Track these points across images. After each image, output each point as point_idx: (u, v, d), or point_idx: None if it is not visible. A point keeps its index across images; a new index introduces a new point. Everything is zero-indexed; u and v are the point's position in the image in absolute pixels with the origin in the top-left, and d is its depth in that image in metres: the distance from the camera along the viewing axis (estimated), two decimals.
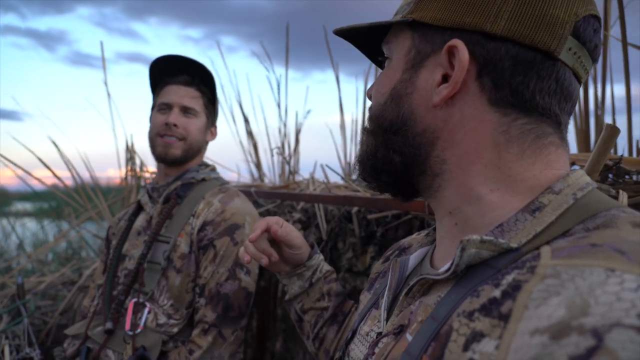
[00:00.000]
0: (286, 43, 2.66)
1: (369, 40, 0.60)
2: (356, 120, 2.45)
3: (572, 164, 1.02)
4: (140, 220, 1.36)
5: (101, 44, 2.75)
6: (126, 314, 1.19)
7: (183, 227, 1.26)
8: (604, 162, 0.91)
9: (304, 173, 2.41)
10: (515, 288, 0.37)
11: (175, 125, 1.31)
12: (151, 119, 1.38)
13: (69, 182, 2.60)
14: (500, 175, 0.47)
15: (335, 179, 2.12)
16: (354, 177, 2.27)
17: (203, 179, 1.36)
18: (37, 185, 2.51)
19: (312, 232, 1.74)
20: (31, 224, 4.15)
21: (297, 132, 2.56)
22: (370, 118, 0.56)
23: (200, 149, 1.40)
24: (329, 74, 2.51)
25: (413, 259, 0.59)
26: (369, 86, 0.62)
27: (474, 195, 0.48)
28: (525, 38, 0.45)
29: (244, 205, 1.32)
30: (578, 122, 1.39)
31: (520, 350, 0.33)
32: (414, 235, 0.74)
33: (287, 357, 1.91)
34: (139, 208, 1.40)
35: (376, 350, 0.52)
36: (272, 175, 2.62)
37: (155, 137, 1.34)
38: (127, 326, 1.16)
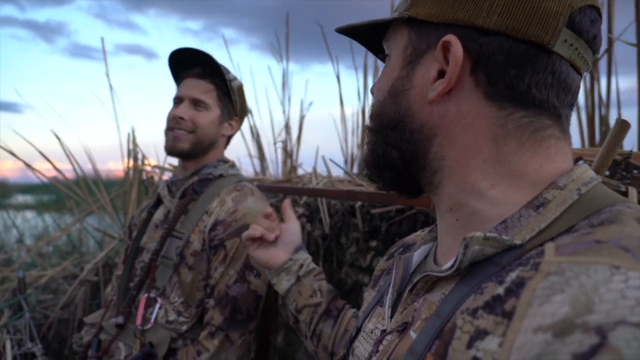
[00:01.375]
0: (286, 33, 2.64)
1: (372, 37, 0.60)
2: (357, 113, 2.44)
3: (579, 159, 1.01)
4: (159, 214, 1.35)
5: (102, 39, 2.73)
6: (138, 308, 1.18)
7: (197, 223, 1.24)
8: (614, 157, 0.90)
9: (306, 166, 2.40)
10: (519, 285, 0.37)
11: (182, 118, 1.29)
12: (168, 113, 1.37)
13: (70, 174, 2.60)
14: (501, 170, 0.47)
15: (337, 172, 2.11)
16: (355, 170, 2.26)
17: (221, 175, 1.34)
18: (37, 178, 2.49)
19: (315, 227, 1.73)
20: (31, 217, 4.14)
21: (300, 124, 2.54)
22: (371, 116, 0.57)
23: (214, 142, 1.36)
24: (329, 67, 2.49)
25: (417, 255, 0.59)
26: (368, 79, 0.63)
27: (474, 190, 0.48)
28: (517, 32, 0.45)
29: (256, 205, 1.28)
30: (583, 117, 1.38)
31: (524, 347, 0.33)
32: (418, 232, 0.74)
33: (288, 350, 1.91)
34: (159, 201, 1.38)
35: (380, 347, 0.52)
36: (274, 169, 2.61)
37: (167, 131, 1.33)
38: (139, 321, 1.16)
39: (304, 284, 0.86)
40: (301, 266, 0.87)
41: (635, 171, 0.95)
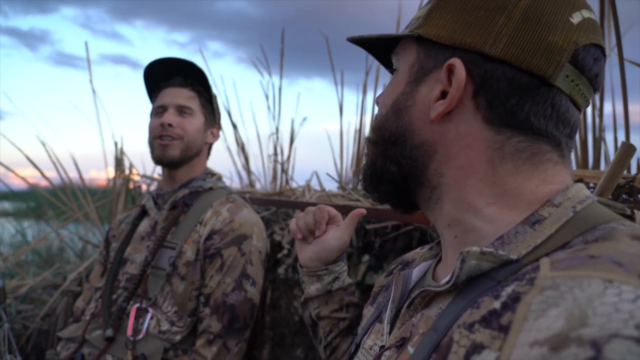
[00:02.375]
0: (281, 49, 2.65)
1: (382, 49, 0.61)
2: (343, 130, 2.44)
3: (579, 181, 1.02)
4: (144, 225, 1.34)
5: (86, 44, 2.67)
6: (128, 320, 1.16)
7: (190, 234, 1.24)
8: (618, 181, 0.91)
9: (296, 180, 2.39)
10: (514, 300, 0.38)
11: (170, 125, 1.28)
12: (149, 125, 1.36)
13: (47, 182, 2.52)
14: (496, 190, 0.48)
15: (329, 187, 2.10)
16: (350, 186, 2.26)
17: (210, 188, 1.35)
18: (17, 185, 2.42)
19: None
20: (9, 225, 4.01)
21: (292, 139, 2.53)
22: (372, 128, 0.58)
23: (200, 150, 1.37)
24: (315, 82, 2.51)
25: (416, 272, 0.60)
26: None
27: (470, 208, 0.49)
28: (521, 62, 0.46)
29: (252, 217, 1.31)
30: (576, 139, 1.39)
31: None
32: (417, 250, 0.75)
33: None
34: (143, 212, 1.37)
35: None
36: (263, 182, 2.59)
37: (153, 141, 1.32)
38: (129, 332, 1.14)
39: (333, 296, 0.84)
40: (335, 279, 0.84)
41: (639, 195, 0.96)
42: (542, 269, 0.39)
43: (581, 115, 1.33)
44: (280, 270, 1.73)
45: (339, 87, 2.45)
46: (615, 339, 0.29)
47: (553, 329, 0.32)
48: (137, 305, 1.17)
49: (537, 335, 0.33)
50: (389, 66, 0.65)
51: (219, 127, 1.45)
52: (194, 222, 1.25)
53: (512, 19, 0.47)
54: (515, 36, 0.46)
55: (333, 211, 0.85)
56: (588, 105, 0.52)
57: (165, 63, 1.34)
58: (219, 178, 1.42)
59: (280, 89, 2.63)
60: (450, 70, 0.49)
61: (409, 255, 0.74)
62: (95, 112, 2.55)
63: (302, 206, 1.71)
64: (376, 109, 0.60)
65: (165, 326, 1.16)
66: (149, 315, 1.16)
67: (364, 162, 0.60)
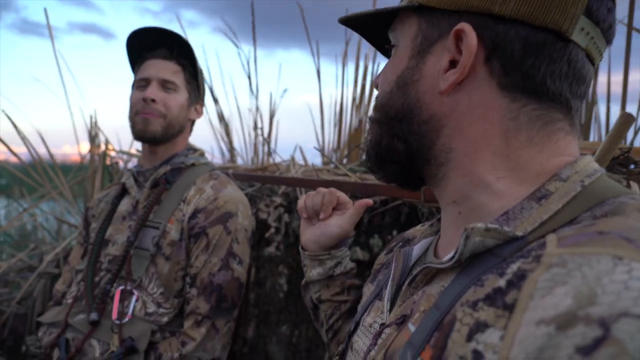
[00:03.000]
0: (252, 21, 2.54)
1: (374, 27, 0.59)
2: (324, 103, 2.39)
3: None
4: (125, 204, 1.29)
5: (45, 10, 2.51)
6: (112, 303, 1.12)
7: (173, 212, 1.20)
8: (615, 151, 0.90)
9: (279, 154, 2.34)
10: (520, 277, 0.37)
11: (153, 100, 1.22)
12: (130, 98, 1.29)
13: (15, 159, 2.41)
14: (508, 163, 0.46)
15: (313, 161, 2.06)
16: (334, 159, 2.22)
17: (192, 164, 1.30)
18: None
19: (294, 217, 1.69)
20: None
21: (272, 113, 2.47)
22: (375, 107, 0.56)
23: (183, 127, 1.32)
24: (293, 53, 2.44)
25: (417, 249, 0.59)
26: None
27: (480, 183, 0.47)
28: (535, 19, 0.44)
29: (237, 194, 1.27)
30: None
31: (526, 340, 0.33)
32: (417, 227, 0.74)
33: (259, 342, 1.87)
34: (123, 191, 1.32)
35: (379, 341, 0.52)
36: (245, 157, 2.53)
37: (135, 116, 1.25)
38: (114, 315, 1.10)
39: (334, 280, 0.83)
40: (337, 264, 0.83)
41: (632, 166, 0.95)
42: (548, 246, 0.38)
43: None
44: (271, 249, 1.70)
45: (316, 59, 2.38)
46: (625, 317, 0.28)
47: (560, 307, 0.32)
48: (121, 287, 1.14)
49: (543, 313, 0.32)
50: (382, 47, 0.62)
51: (203, 104, 1.40)
52: (177, 200, 1.22)
53: None
54: None
55: (344, 197, 0.83)
56: (601, 59, 0.50)
57: (150, 33, 1.27)
58: (202, 154, 1.38)
59: (255, 61, 2.55)
60: (459, 37, 0.46)
61: (409, 233, 0.73)
62: (62, 85, 2.41)
63: (288, 182, 1.67)
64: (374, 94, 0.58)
65: (151, 308, 1.14)
66: (134, 298, 1.13)
67: (367, 140, 0.58)
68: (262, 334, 1.87)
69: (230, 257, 1.18)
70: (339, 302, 0.83)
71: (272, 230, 1.67)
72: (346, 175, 1.53)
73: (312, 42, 2.37)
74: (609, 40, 0.48)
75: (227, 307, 1.16)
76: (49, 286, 1.84)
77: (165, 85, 1.25)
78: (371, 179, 1.56)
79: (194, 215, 1.19)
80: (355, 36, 2.35)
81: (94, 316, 1.10)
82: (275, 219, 1.67)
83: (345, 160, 2.14)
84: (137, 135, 1.26)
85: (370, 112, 0.58)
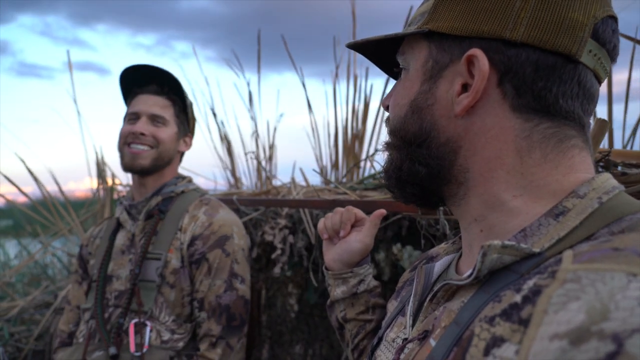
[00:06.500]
0: (258, 51, 2.63)
1: (381, 51, 0.60)
2: (318, 124, 2.43)
3: None
4: (121, 239, 1.33)
5: (67, 52, 2.62)
6: (128, 336, 1.16)
7: (171, 242, 1.25)
8: (594, 156, 0.94)
9: (279, 179, 2.39)
10: (535, 293, 0.37)
11: (142, 134, 1.28)
12: (120, 130, 1.35)
13: (24, 198, 2.47)
14: (523, 181, 0.47)
15: (313, 182, 2.11)
16: (333, 178, 2.27)
17: (182, 192, 1.36)
18: None
19: (298, 238, 1.72)
20: None
21: (272, 137, 2.53)
22: (391, 131, 0.57)
23: (172, 159, 1.37)
24: (286, 76, 2.50)
25: (438, 265, 0.59)
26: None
27: (497, 202, 0.49)
28: (545, 43, 0.45)
29: (230, 216, 1.33)
30: None
31: (540, 355, 0.33)
32: (441, 245, 0.75)
33: None
34: (118, 225, 1.35)
35: (402, 356, 0.53)
36: (248, 182, 2.58)
37: (123, 147, 1.31)
38: (132, 348, 1.14)
39: (358, 298, 0.84)
40: (360, 282, 0.84)
41: (615, 168, 1.00)
42: (564, 262, 0.38)
43: None
44: (276, 269, 1.74)
45: (304, 84, 2.45)
46: (638, 333, 0.29)
47: (573, 322, 0.32)
48: (134, 320, 1.17)
49: (557, 328, 0.33)
50: (388, 69, 0.64)
51: (192, 136, 1.45)
52: (173, 229, 1.26)
53: (528, 0, 0.46)
54: (535, 18, 0.46)
55: (360, 214, 0.85)
56: (606, 77, 0.52)
57: (141, 70, 1.33)
58: (190, 180, 1.43)
59: (259, 89, 2.62)
60: (470, 62, 0.48)
61: (433, 251, 0.74)
62: (66, 123, 2.51)
63: (290, 204, 1.71)
64: (383, 113, 0.60)
65: (166, 335, 1.17)
66: (148, 329, 1.16)
67: (386, 163, 0.59)
68: (276, 354, 1.88)
69: (232, 277, 1.24)
70: (364, 320, 0.83)
71: (279, 251, 1.72)
72: (346, 193, 1.58)
73: (298, 69, 2.44)
74: (613, 59, 0.50)
75: (237, 324, 1.22)
76: None
77: (154, 119, 1.31)
78: (370, 196, 1.61)
79: (192, 242, 1.24)
80: (346, 57, 2.42)
81: (112, 350, 1.14)
82: (280, 241, 1.72)
83: (344, 179, 2.19)
84: (126, 166, 1.31)
85: (385, 136, 0.59)
